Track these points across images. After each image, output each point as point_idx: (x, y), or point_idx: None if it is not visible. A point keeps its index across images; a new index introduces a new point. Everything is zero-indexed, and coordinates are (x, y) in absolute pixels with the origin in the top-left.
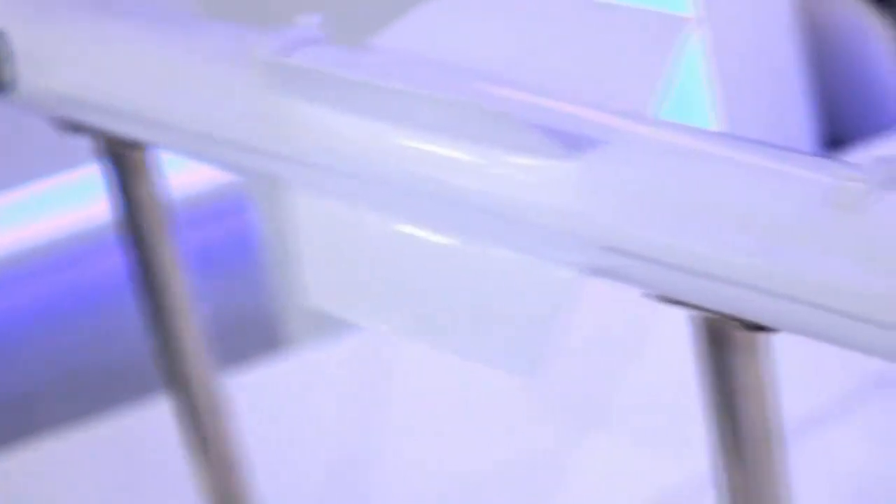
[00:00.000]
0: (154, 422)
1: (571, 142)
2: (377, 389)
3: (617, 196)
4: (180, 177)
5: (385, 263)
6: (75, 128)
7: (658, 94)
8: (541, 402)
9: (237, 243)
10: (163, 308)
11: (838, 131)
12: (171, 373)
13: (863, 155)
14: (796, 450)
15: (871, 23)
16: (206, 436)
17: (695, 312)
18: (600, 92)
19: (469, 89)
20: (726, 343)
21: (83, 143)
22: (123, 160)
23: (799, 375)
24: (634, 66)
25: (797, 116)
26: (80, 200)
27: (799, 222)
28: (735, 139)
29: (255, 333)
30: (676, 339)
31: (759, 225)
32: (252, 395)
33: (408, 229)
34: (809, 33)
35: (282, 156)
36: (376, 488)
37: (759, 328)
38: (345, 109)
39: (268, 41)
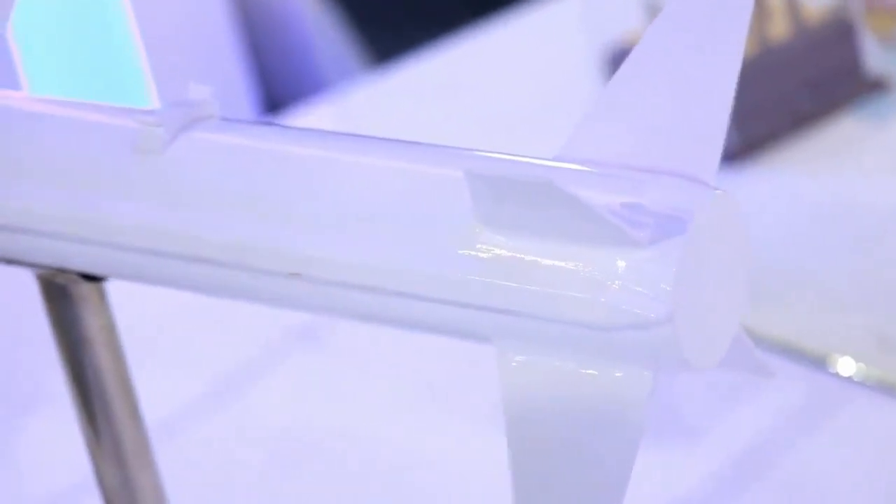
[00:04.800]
0: None
1: None
2: None
3: None
4: None
5: None
6: None
7: None
8: None
9: None
10: None
11: (275, 96)
12: None
13: (169, 101)
14: (224, 408)
15: None
16: None
17: (34, 269)
18: None
19: None
20: (67, 297)
21: None
22: None
23: (221, 333)
24: None
25: (233, 83)
26: None
27: (108, 170)
28: (52, 100)
29: None
30: None
31: (70, 176)
32: None
33: None
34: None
35: None
36: None
37: (94, 278)
38: None
39: None
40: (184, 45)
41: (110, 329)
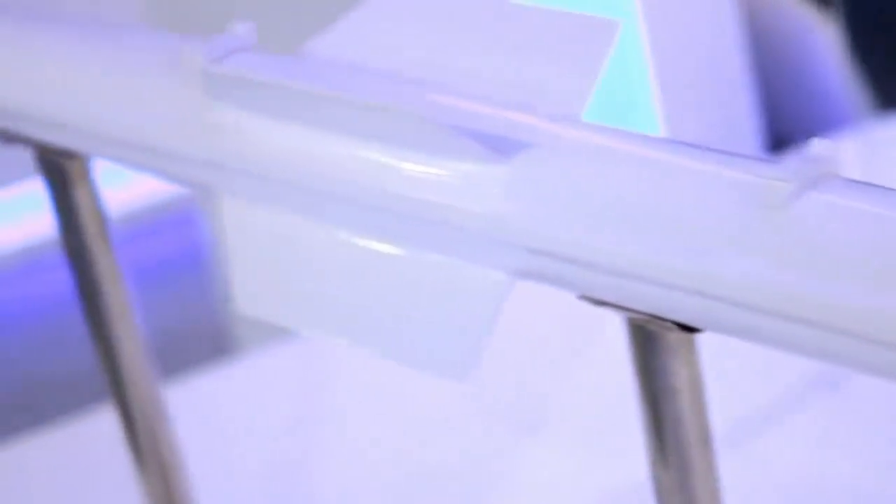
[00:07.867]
0: (104, 430)
1: (498, 145)
2: (323, 393)
3: (544, 199)
4: (134, 188)
5: (317, 269)
6: (9, 139)
7: (587, 98)
8: (485, 406)
9: (191, 254)
10: (102, 317)
11: (782, 131)
12: (113, 381)
13: (791, 155)
14: (736, 453)
15: (814, 21)
16: (144, 443)
17: (627, 314)
18: (529, 95)
19: (399, 95)
20: (657, 344)
21: (25, 156)
22: (60, 171)
23: (739, 376)
24: (564, 70)
25: (741, 117)
26: (25, 214)
27: (725, 222)
28: (659, 140)
29: (207, 343)
30: (616, 340)
31: (685, 226)
32: (200, 402)
33: (340, 235)
34: (752, 32)
35: (215, 164)
36: (321, 493)
37: (690, 329)
38: (278, 117)
39: (200, 48)
40: (694, 77)
41: (698, 381)
